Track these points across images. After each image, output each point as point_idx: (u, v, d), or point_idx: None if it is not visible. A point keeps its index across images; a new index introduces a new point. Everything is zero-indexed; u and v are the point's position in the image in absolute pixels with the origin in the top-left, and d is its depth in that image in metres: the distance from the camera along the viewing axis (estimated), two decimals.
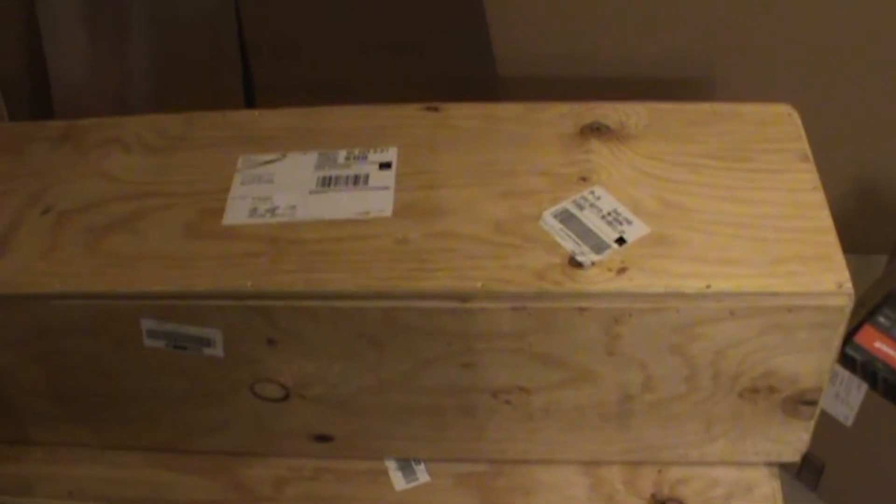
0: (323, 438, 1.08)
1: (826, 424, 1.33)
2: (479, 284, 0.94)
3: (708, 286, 0.92)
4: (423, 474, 1.09)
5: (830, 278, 0.92)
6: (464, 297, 0.94)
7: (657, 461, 1.07)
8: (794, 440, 1.04)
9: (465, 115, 1.12)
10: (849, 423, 1.48)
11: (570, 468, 1.08)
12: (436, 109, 1.13)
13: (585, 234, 0.97)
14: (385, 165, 1.06)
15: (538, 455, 1.08)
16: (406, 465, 1.10)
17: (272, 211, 1.03)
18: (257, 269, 0.97)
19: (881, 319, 1.47)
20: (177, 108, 1.20)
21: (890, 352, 1.43)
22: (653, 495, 1.06)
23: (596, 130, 1.08)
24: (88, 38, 1.65)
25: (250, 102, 1.63)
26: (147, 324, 0.99)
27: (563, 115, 1.10)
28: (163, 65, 1.67)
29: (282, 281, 0.96)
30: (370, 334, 0.97)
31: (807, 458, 1.13)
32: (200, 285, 0.97)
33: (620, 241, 0.96)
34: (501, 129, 1.10)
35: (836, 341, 0.95)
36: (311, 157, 1.08)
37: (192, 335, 0.99)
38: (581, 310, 0.93)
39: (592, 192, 1.01)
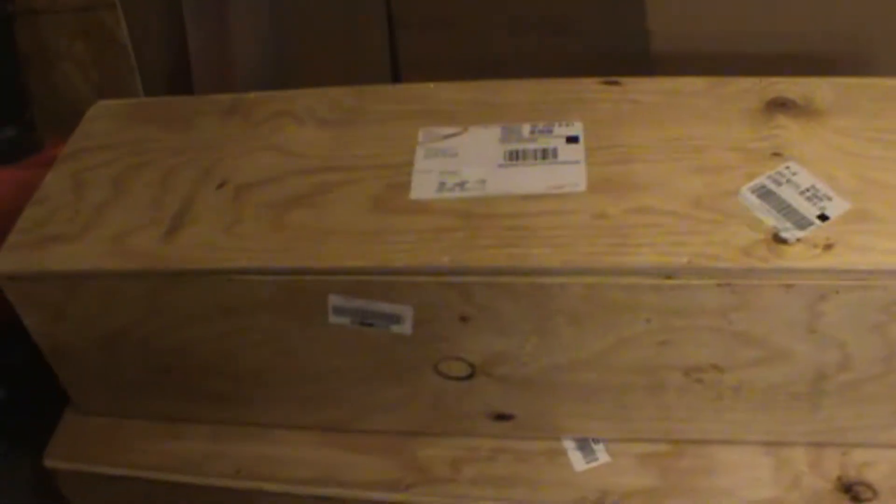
0: (503, 417, 1.07)
1: None
2: (685, 260, 0.91)
3: None
4: (602, 454, 1.06)
5: None
6: (669, 273, 0.91)
7: (842, 443, 1.04)
8: None
9: (646, 89, 1.10)
10: None
11: (752, 448, 1.05)
12: (616, 83, 1.10)
13: (786, 210, 0.95)
14: (572, 139, 1.04)
15: (722, 435, 1.05)
16: (585, 445, 1.07)
17: (461, 185, 1.00)
18: (453, 245, 0.95)
19: None
20: (321, 82, 1.18)
21: None
22: (839, 478, 1.03)
23: (782, 105, 1.05)
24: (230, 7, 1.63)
25: (396, 77, 1.61)
26: (334, 300, 0.97)
27: (747, 91, 1.08)
28: (306, 36, 1.64)
29: (481, 256, 0.94)
30: (569, 311, 0.95)
31: None
32: (395, 261, 0.95)
33: (822, 217, 0.94)
34: (685, 104, 1.07)
35: None
36: (494, 131, 1.06)
37: (381, 312, 0.97)
38: (787, 287, 0.91)
39: (788, 168, 0.99)
